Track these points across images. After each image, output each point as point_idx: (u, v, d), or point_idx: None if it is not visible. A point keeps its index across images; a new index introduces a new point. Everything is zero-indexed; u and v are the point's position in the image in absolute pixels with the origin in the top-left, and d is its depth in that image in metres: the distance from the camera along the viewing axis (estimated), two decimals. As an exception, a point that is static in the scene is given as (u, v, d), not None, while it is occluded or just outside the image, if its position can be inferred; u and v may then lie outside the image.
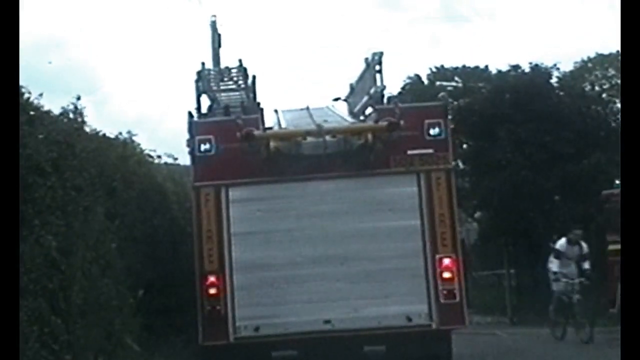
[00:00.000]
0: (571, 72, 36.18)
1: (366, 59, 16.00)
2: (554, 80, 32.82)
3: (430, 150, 14.11)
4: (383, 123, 13.99)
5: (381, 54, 15.20)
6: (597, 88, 36.80)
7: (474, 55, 74.72)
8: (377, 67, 15.32)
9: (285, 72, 61.02)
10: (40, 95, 10.95)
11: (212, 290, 13.83)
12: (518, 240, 31.94)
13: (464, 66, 41.60)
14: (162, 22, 63.50)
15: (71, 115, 12.88)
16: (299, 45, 66.86)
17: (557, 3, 63.22)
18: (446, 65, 42.06)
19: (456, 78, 40.80)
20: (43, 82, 12.02)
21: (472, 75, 40.18)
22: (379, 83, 15.23)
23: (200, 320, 13.86)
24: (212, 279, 13.87)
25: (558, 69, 33.55)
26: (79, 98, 13.07)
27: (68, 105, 12.91)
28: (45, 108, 11.25)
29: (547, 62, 32.88)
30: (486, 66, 39.26)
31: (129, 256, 13.18)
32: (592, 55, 39.29)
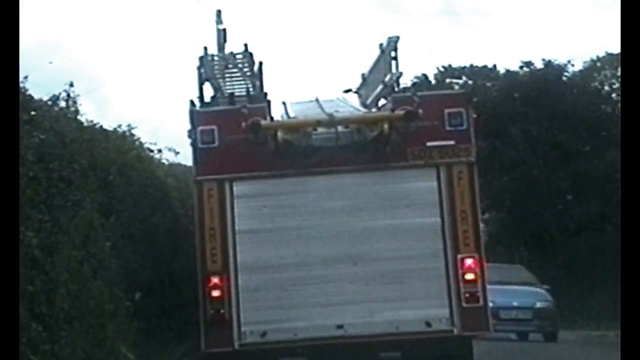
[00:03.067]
0: (580, 71, 36.02)
1: (380, 45, 15.10)
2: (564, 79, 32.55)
3: (451, 142, 13.36)
4: (400, 112, 13.18)
5: (397, 38, 14.33)
6: (606, 87, 36.66)
7: (480, 54, 74.54)
8: (393, 54, 14.44)
9: (291, 67, 60.37)
10: (25, 78, 10.29)
11: (216, 293, 13.12)
12: (529, 241, 31.61)
13: (471, 65, 41.44)
14: (165, 18, 62.91)
15: (63, 104, 12.21)
16: (304, 40, 66.33)
17: (564, 2, 62.69)
18: (454, 65, 41.84)
19: (463, 77, 40.61)
20: (44, 81, 11.54)
21: (480, 74, 40.01)
22: (394, 70, 14.31)
23: (203, 325, 13.14)
24: (215, 280, 13.16)
25: (573, 65, 33.61)
26: (71, 85, 12.57)
27: (60, 93, 12.28)
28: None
29: (560, 59, 32.73)
30: (494, 65, 39.18)
31: (126, 256, 12.63)
32: (602, 54, 39.08)
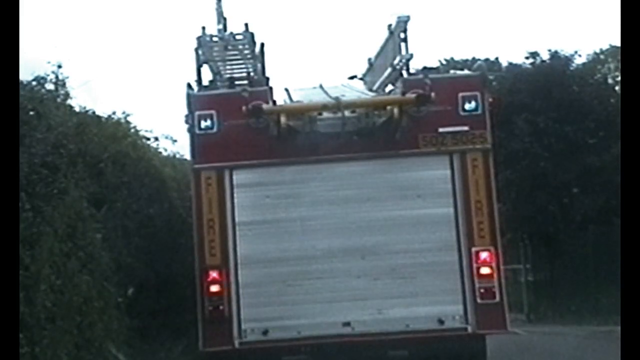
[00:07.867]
0: (584, 64, 35.84)
1: (389, 26, 14.51)
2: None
3: (465, 128, 12.89)
4: (411, 95, 12.65)
5: (407, 18, 13.70)
6: (610, 80, 36.45)
7: (483, 47, 74.73)
8: (402, 35, 13.83)
9: (293, 54, 60.10)
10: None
11: (214, 288, 12.71)
12: (535, 234, 31.53)
13: (473, 58, 41.31)
14: (166, 12, 62.46)
15: (51, 86, 11.65)
16: (306, 26, 66.15)
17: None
18: (456, 58, 41.83)
19: (465, 70, 40.49)
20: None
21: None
22: (404, 52, 13.64)
23: (201, 322, 12.72)
24: (214, 274, 12.73)
25: (580, 55, 33.51)
26: (60, 66, 12.06)
27: (47, 75, 11.71)
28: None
29: (567, 50, 32.96)
30: (496, 58, 39.08)
31: (118, 249, 12.29)
32: (605, 47, 39.19)
